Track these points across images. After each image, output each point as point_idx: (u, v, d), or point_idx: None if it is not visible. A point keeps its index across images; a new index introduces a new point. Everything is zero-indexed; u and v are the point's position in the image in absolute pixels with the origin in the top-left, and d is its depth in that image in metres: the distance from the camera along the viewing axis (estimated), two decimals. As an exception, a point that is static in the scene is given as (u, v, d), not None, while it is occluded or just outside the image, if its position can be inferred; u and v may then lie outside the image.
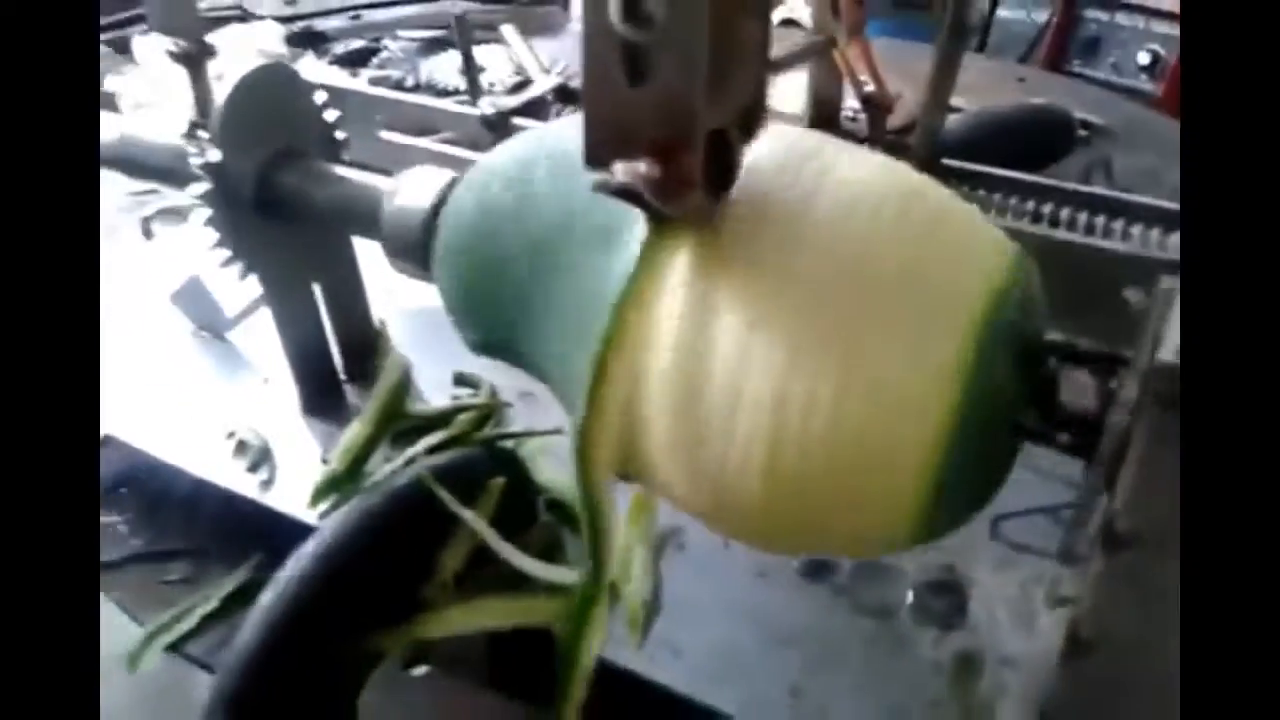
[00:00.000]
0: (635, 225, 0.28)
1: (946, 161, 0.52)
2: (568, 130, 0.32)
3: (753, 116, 0.25)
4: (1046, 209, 0.54)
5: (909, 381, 0.25)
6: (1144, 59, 1.97)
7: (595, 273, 0.28)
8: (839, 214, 0.26)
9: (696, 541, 0.42)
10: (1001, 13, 2.99)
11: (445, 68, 1.01)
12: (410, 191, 0.39)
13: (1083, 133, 0.84)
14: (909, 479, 0.26)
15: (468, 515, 0.39)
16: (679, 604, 0.40)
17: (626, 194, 0.24)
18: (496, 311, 0.33)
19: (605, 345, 0.27)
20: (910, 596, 0.40)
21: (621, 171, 0.23)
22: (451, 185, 0.38)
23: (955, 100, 0.92)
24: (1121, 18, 2.05)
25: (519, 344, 0.33)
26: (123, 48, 1.07)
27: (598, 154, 0.24)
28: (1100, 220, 0.54)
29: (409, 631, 0.37)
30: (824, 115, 0.51)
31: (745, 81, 0.25)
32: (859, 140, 0.49)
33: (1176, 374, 0.21)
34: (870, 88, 0.52)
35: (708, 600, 0.40)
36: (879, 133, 0.50)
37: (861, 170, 0.28)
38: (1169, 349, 0.22)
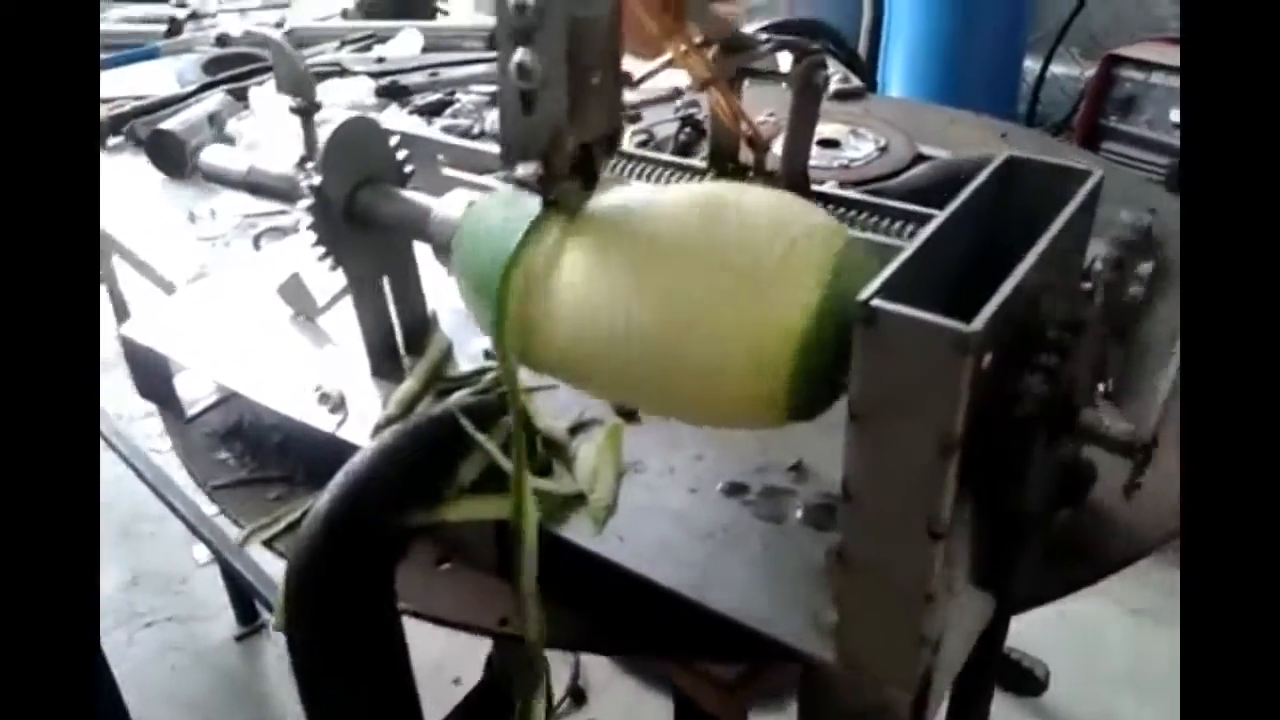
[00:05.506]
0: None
1: (817, 188, 0.67)
2: None
3: (612, 139, 0.42)
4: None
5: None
6: (1177, 116, 2.08)
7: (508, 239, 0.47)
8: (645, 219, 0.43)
9: (651, 468, 0.57)
10: (1056, 69, 3.09)
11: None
12: (448, 207, 0.55)
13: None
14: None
15: (482, 439, 0.54)
16: (631, 509, 0.55)
17: (522, 183, 0.40)
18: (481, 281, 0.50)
19: (503, 281, 0.45)
20: (800, 511, 0.54)
21: (519, 169, 0.40)
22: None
23: (940, 152, 1.07)
24: (1157, 78, 2.16)
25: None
26: (240, 96, 1.28)
27: (507, 158, 0.41)
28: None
29: (433, 513, 0.53)
30: (723, 149, 0.67)
31: (603, 114, 0.42)
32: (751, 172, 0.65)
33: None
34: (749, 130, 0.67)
35: (651, 508, 0.54)
36: (759, 162, 0.65)
37: (671, 196, 0.44)
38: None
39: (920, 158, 1.03)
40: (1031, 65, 3.01)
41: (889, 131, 1.10)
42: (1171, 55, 2.13)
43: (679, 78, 1.02)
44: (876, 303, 0.35)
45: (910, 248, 0.38)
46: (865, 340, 0.35)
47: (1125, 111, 2.23)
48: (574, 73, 0.41)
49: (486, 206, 0.53)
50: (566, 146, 0.42)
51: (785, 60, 0.71)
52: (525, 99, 0.41)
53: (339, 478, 0.51)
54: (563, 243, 0.46)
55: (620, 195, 0.46)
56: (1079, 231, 0.43)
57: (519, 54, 0.40)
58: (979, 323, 0.33)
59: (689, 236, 0.43)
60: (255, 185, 0.66)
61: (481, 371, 0.63)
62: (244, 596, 2.11)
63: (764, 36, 0.65)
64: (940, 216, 0.40)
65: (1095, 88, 2.27)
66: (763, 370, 0.42)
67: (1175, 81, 2.10)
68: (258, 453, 0.68)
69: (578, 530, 0.53)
